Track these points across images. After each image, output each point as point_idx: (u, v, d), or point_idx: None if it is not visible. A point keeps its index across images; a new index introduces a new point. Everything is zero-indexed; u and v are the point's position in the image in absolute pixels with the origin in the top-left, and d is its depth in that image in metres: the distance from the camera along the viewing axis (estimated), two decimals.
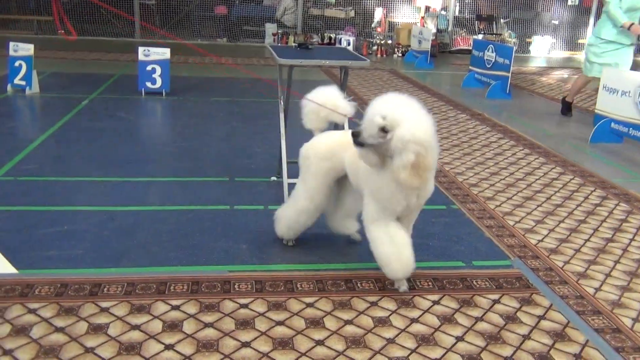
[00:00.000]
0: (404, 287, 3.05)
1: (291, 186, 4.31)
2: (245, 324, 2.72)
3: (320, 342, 2.61)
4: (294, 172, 4.53)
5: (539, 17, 16.68)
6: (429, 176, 2.79)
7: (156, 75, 7.77)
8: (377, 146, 2.75)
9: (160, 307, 2.81)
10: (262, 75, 10.23)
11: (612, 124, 6.48)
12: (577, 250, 3.71)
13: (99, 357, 2.43)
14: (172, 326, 2.67)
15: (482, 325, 2.82)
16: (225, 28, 15.21)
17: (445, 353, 2.58)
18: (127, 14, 14.36)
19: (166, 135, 6.36)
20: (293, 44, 5.01)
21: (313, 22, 15.32)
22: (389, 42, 14.58)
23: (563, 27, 16.63)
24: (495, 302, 3.04)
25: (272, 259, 3.41)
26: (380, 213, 2.96)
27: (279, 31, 14.48)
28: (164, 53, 7.77)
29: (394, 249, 2.95)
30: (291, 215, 3.45)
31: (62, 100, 7.43)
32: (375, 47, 14.32)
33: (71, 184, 4.51)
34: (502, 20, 16.10)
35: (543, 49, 16.13)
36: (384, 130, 2.67)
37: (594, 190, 4.89)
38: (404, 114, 2.66)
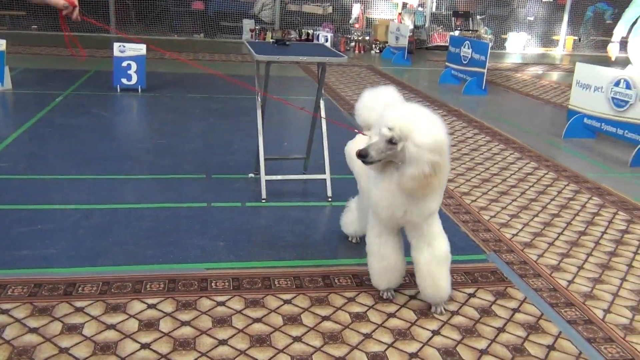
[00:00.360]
0: (387, 294, 3.01)
1: (269, 183, 4.32)
2: (222, 321, 2.72)
3: (297, 339, 2.62)
4: (271, 168, 4.53)
5: (514, 14, 16.86)
6: (430, 189, 2.62)
7: (132, 72, 7.68)
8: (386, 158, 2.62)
9: (136, 306, 2.79)
10: (239, 71, 10.18)
11: (585, 120, 6.59)
12: (551, 244, 3.77)
13: (74, 357, 2.40)
14: (148, 325, 2.65)
15: (457, 319, 2.85)
16: (202, 24, 15.09)
17: (421, 347, 2.61)
18: (104, 15, 14.19)
19: (142, 132, 6.30)
20: (270, 40, 4.99)
21: (291, 18, 15.29)
22: (367, 38, 14.61)
23: (538, 24, 16.84)
24: (471, 295, 3.08)
25: (249, 256, 3.40)
26: (375, 219, 2.87)
27: (257, 27, 14.42)
28: (140, 49, 7.69)
29: (382, 264, 2.92)
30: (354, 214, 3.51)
31: (36, 96, 7.31)
32: (353, 44, 14.34)
33: (45, 182, 4.44)
34: (478, 17, 16.24)
35: (518, 46, 16.32)
36: (391, 141, 2.53)
37: (567, 185, 4.97)
38: (412, 123, 2.51)
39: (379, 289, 3.01)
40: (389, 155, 2.57)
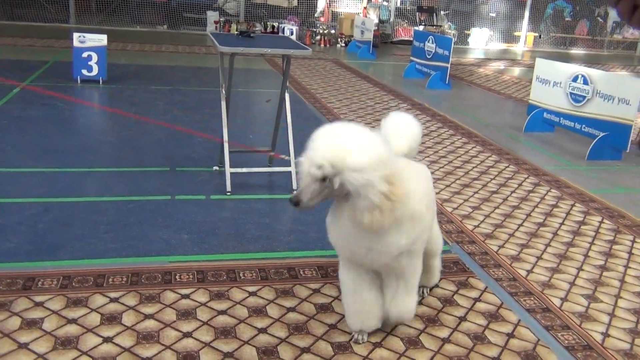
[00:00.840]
0: (359, 337, 2.59)
1: (233, 176, 4.29)
2: (186, 314, 2.70)
3: (262, 330, 2.62)
4: (236, 161, 4.50)
5: (477, 10, 17.12)
6: (389, 222, 2.20)
7: (92, 63, 7.51)
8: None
9: (98, 300, 2.75)
10: (203, 64, 10.07)
11: (545, 114, 6.75)
12: (511, 235, 3.86)
13: (34, 352, 2.35)
14: (111, 319, 2.62)
15: (421, 309, 2.90)
16: (166, 15, 14.85)
17: (385, 337, 2.64)
18: (63, 5, 13.81)
19: (104, 125, 6.18)
20: (235, 32, 4.96)
21: (256, 10, 15.18)
22: (332, 32, 14.63)
23: (500, 20, 17.15)
24: (434, 286, 3.12)
25: (214, 248, 3.38)
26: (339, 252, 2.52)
27: (221, 19, 14.28)
28: (101, 40, 7.52)
29: (356, 302, 2.53)
30: None
31: None
32: (318, 37, 14.34)
33: (2, 175, 4.32)
34: (442, 12, 16.44)
35: (481, 41, 16.59)
36: (325, 179, 2.12)
37: (527, 178, 5.09)
38: (343, 151, 2.08)
39: (351, 329, 2.61)
40: (328, 194, 2.17)
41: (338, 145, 2.09)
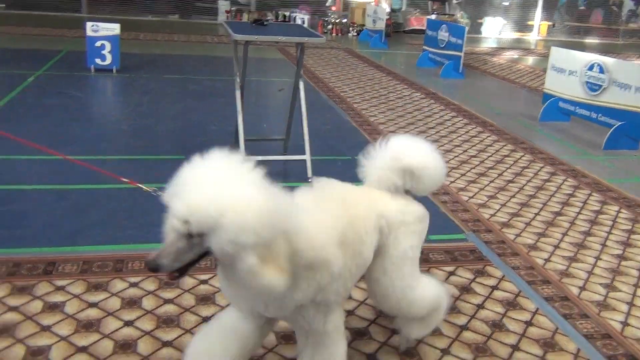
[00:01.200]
0: None
1: None
2: (205, 299, 2.71)
3: None
4: (251, 149, 4.50)
5: None
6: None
7: (106, 52, 7.53)
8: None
9: (117, 285, 2.77)
10: (214, 53, 10.06)
11: (560, 103, 6.69)
12: (528, 224, 3.84)
13: (56, 335, 2.38)
14: (131, 303, 2.64)
15: None
16: (177, 4, 14.84)
17: None
18: None
19: (118, 113, 6.19)
20: (248, 21, 4.95)
21: None
22: (344, 21, 14.56)
23: (513, 9, 16.98)
24: (451, 274, 3.12)
25: None
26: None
27: (233, 8, 14.25)
28: (114, 29, 7.54)
29: (202, 343, 2.00)
30: None
31: (6, 76, 7.12)
32: (330, 26, 14.28)
33: (19, 162, 4.35)
34: (454, 1, 16.29)
35: (494, 30, 16.44)
36: (192, 237, 1.61)
37: (543, 167, 5.06)
38: (216, 209, 1.55)
39: None
40: (198, 256, 1.65)
41: (210, 196, 1.57)
